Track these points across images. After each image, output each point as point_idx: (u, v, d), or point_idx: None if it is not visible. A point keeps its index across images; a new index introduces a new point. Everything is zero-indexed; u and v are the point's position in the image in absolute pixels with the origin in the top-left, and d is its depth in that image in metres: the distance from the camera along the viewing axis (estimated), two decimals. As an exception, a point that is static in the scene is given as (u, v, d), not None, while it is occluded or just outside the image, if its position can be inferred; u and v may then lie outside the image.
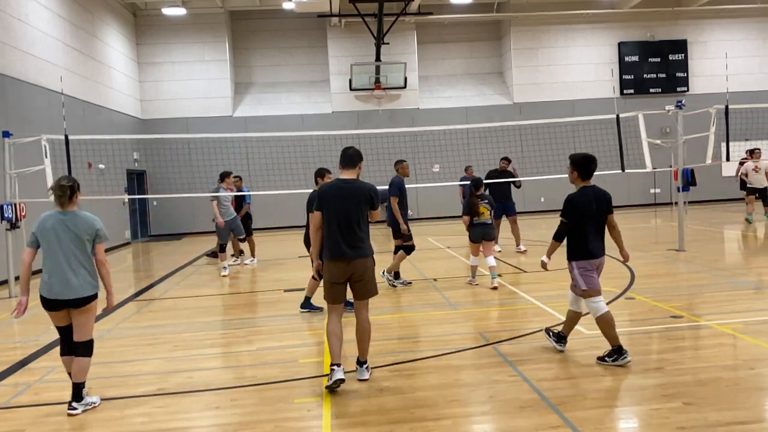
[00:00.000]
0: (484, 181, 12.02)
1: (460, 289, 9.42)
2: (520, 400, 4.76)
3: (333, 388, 5.07)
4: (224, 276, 11.78)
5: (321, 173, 8.37)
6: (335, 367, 5.14)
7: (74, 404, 4.95)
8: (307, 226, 8.26)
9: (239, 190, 13.79)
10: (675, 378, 5.05)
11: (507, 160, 13.16)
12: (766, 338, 6.02)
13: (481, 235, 9.42)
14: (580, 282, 5.55)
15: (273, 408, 4.91)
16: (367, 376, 5.36)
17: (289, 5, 19.99)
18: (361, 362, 5.43)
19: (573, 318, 5.86)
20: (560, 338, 5.92)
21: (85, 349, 5.14)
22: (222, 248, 12.08)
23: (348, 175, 5.43)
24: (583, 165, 5.59)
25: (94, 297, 5.09)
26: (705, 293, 8.22)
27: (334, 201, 5.26)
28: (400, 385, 5.21)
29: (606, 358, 5.48)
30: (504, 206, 12.70)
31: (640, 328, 6.73)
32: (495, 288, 9.12)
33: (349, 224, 5.22)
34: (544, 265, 5.81)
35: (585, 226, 5.50)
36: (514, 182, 12.97)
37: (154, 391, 5.41)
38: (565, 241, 5.68)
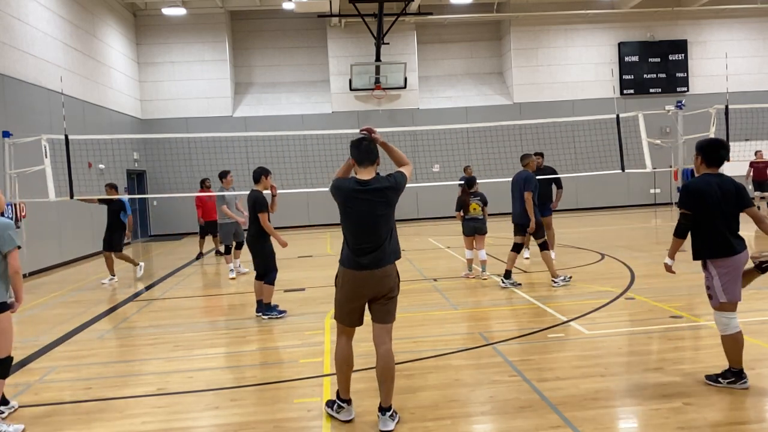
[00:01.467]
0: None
1: (460, 289, 9.42)
2: (520, 400, 4.76)
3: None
4: (232, 279, 11.64)
5: (266, 173, 8.38)
6: (345, 405, 4.46)
7: None
8: (252, 226, 8.10)
9: (118, 199, 11.81)
10: (675, 378, 5.05)
11: (540, 155, 11.79)
12: (766, 338, 6.02)
13: (473, 229, 10.05)
14: (719, 292, 4.74)
15: (273, 408, 4.91)
16: (392, 426, 4.30)
17: (289, 5, 19.99)
18: (384, 408, 4.35)
19: (733, 342, 4.84)
20: (737, 374, 4.82)
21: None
22: (228, 249, 11.98)
23: (367, 174, 4.40)
24: (709, 150, 4.85)
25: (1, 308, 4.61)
26: (705, 293, 8.20)
27: (356, 211, 4.32)
28: (400, 385, 5.19)
29: (720, 379, 4.84)
30: (543, 208, 11.38)
31: (640, 328, 6.73)
32: (485, 279, 9.90)
33: (377, 234, 4.33)
34: (668, 268, 5.02)
35: (712, 219, 4.71)
36: (556, 181, 11.68)
37: (154, 391, 5.40)
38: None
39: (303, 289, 9.85)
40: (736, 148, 15.81)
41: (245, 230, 8.33)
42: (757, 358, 5.45)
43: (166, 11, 20.83)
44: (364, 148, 4.44)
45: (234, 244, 12.00)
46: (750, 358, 5.41)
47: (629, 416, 4.52)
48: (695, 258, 4.93)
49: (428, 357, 5.98)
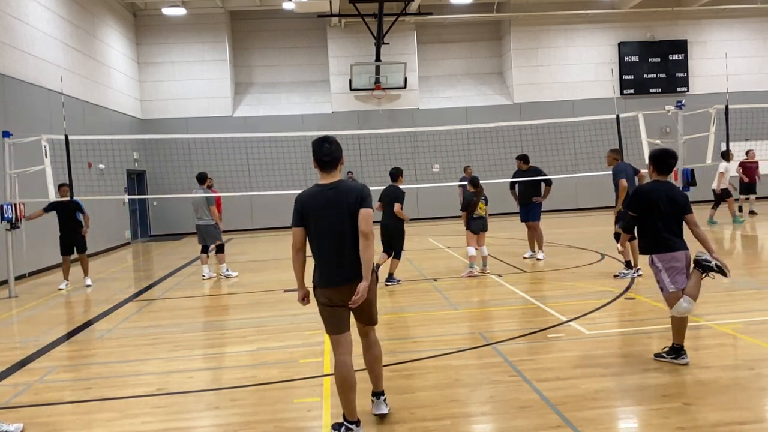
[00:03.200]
0: (513, 180, 12.13)
1: (460, 290, 9.42)
2: (520, 400, 4.76)
3: None
4: (234, 277, 11.69)
5: (401, 172, 10.03)
6: (354, 427, 4.20)
7: None
8: (387, 220, 9.74)
9: (72, 201, 11.30)
10: (675, 378, 5.05)
11: (520, 159, 12.00)
12: (766, 338, 6.02)
13: (480, 227, 10.45)
14: (667, 282, 5.25)
15: (273, 408, 4.91)
16: (385, 411, 4.49)
17: (289, 5, 19.99)
18: (376, 393, 4.53)
19: (680, 324, 5.34)
20: (677, 351, 5.34)
21: None
22: (221, 248, 11.92)
23: (330, 178, 4.24)
24: (659, 159, 5.42)
25: None
26: (705, 293, 8.15)
27: (321, 214, 4.19)
28: (400, 385, 5.20)
29: (665, 355, 5.36)
30: (528, 209, 11.75)
31: (640, 328, 6.73)
32: (487, 273, 10.41)
33: (342, 242, 4.16)
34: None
35: (655, 220, 5.26)
36: (545, 181, 11.68)
37: (154, 391, 5.40)
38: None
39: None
40: (736, 148, 15.83)
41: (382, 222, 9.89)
42: (757, 358, 5.45)
43: (166, 11, 20.83)
44: (326, 150, 4.20)
45: (215, 247, 11.85)
46: (750, 358, 5.43)
47: (629, 416, 4.52)
48: (641, 253, 5.52)
49: (428, 357, 5.98)
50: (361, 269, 4.16)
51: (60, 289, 11.15)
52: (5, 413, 4.97)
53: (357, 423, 4.24)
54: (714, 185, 16.16)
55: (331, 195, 4.18)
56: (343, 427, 4.22)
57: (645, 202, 5.34)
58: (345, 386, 4.19)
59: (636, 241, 9.45)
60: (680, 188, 11.84)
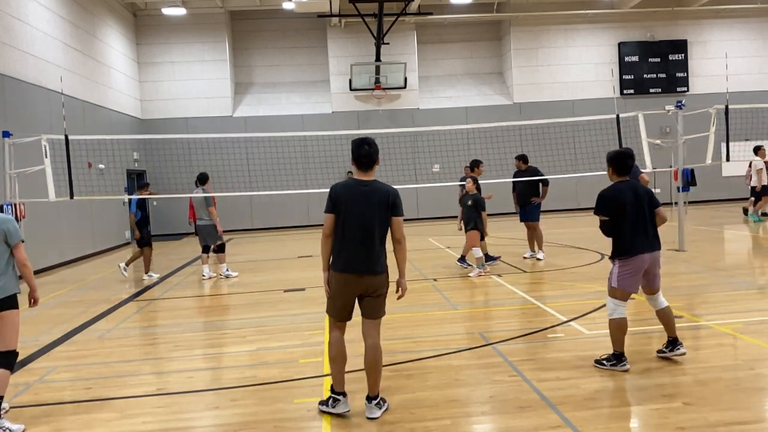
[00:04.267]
0: (514, 180, 12.10)
1: (460, 289, 9.43)
2: (520, 400, 4.76)
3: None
4: (234, 277, 11.69)
5: (478, 163, 11.45)
6: (341, 398, 4.57)
7: None
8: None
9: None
10: (675, 378, 5.05)
11: (519, 159, 12.12)
12: (766, 338, 6.02)
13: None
14: (614, 278, 5.34)
15: (273, 408, 4.91)
16: (378, 414, 4.55)
17: (289, 5, 19.99)
18: (371, 397, 4.61)
19: (665, 316, 5.48)
20: (673, 343, 5.45)
21: (5, 360, 4.71)
22: (220, 248, 11.90)
23: (366, 176, 4.59)
24: (617, 160, 5.43)
25: (9, 303, 4.74)
26: (705, 293, 8.23)
27: (353, 205, 4.49)
28: (400, 385, 5.20)
29: (605, 362, 5.34)
30: (527, 210, 11.78)
31: (640, 328, 6.73)
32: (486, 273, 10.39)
33: (370, 234, 4.48)
34: None
35: (622, 222, 5.27)
36: (542, 181, 11.73)
37: (154, 391, 5.41)
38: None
39: (303, 289, 9.86)
40: (736, 148, 15.82)
41: None
42: (757, 358, 5.45)
43: (166, 11, 20.83)
44: (365, 152, 4.56)
45: (215, 247, 11.81)
46: (750, 358, 5.43)
47: (629, 416, 4.52)
48: (610, 257, 5.48)
49: (428, 357, 5.98)
50: (380, 264, 4.56)
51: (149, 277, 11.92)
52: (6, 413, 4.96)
53: (344, 395, 4.59)
54: (755, 182, 16.18)
55: (364, 191, 4.54)
56: (330, 399, 4.59)
57: (612, 204, 5.32)
58: (336, 358, 4.60)
59: None
60: (679, 188, 11.99)
